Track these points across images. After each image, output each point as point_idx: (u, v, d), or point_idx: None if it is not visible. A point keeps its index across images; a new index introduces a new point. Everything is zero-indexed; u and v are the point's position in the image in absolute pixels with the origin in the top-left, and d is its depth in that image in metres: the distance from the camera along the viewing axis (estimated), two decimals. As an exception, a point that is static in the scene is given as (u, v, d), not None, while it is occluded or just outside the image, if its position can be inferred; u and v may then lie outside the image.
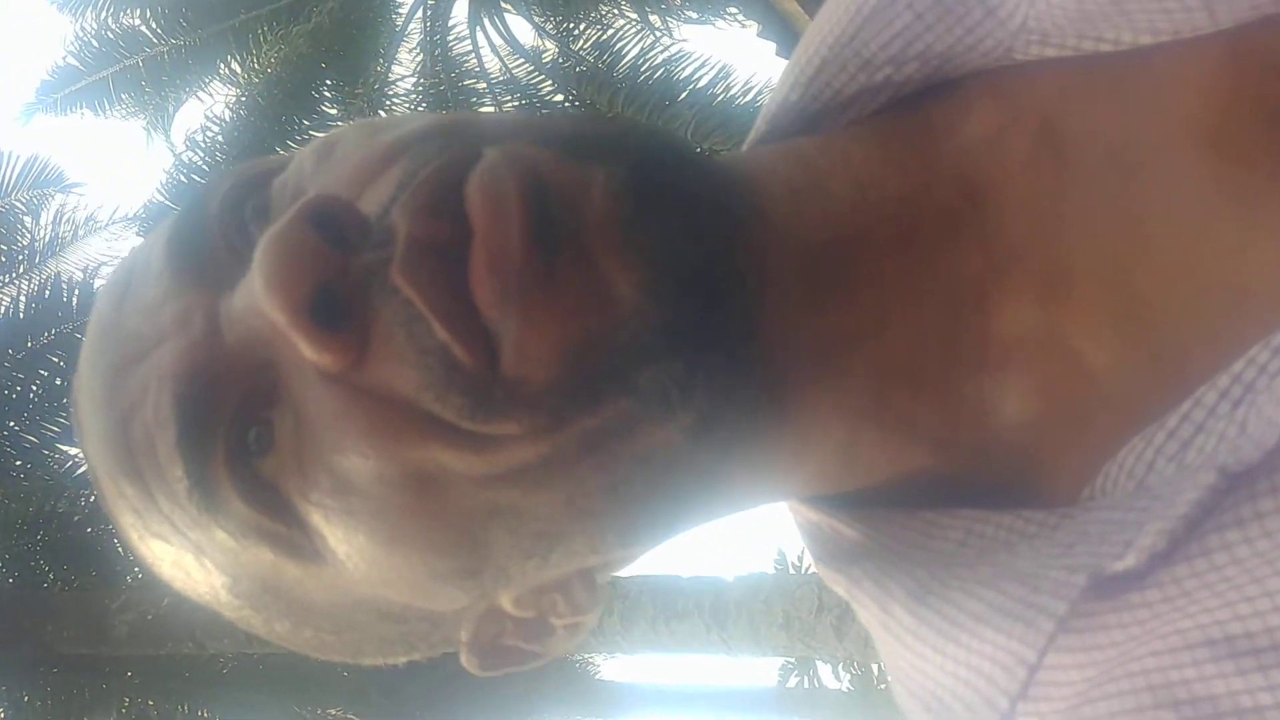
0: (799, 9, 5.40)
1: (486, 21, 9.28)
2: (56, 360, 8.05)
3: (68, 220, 8.90)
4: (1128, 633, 0.41)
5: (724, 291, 0.47)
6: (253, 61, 8.86)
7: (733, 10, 8.53)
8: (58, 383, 8.01)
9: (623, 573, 0.59)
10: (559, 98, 8.82)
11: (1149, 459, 0.44)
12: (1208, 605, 0.40)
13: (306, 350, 0.46)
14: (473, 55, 9.18)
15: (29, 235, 8.78)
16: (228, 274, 0.51)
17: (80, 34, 9.28)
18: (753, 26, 7.64)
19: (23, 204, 8.81)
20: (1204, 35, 0.46)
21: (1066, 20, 0.48)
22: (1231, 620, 0.39)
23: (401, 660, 0.58)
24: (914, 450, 0.51)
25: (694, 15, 8.92)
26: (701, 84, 7.75)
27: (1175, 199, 0.46)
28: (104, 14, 9.30)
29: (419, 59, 9.20)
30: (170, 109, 9.61)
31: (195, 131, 8.62)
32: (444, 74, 8.94)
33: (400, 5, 9.25)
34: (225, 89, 9.37)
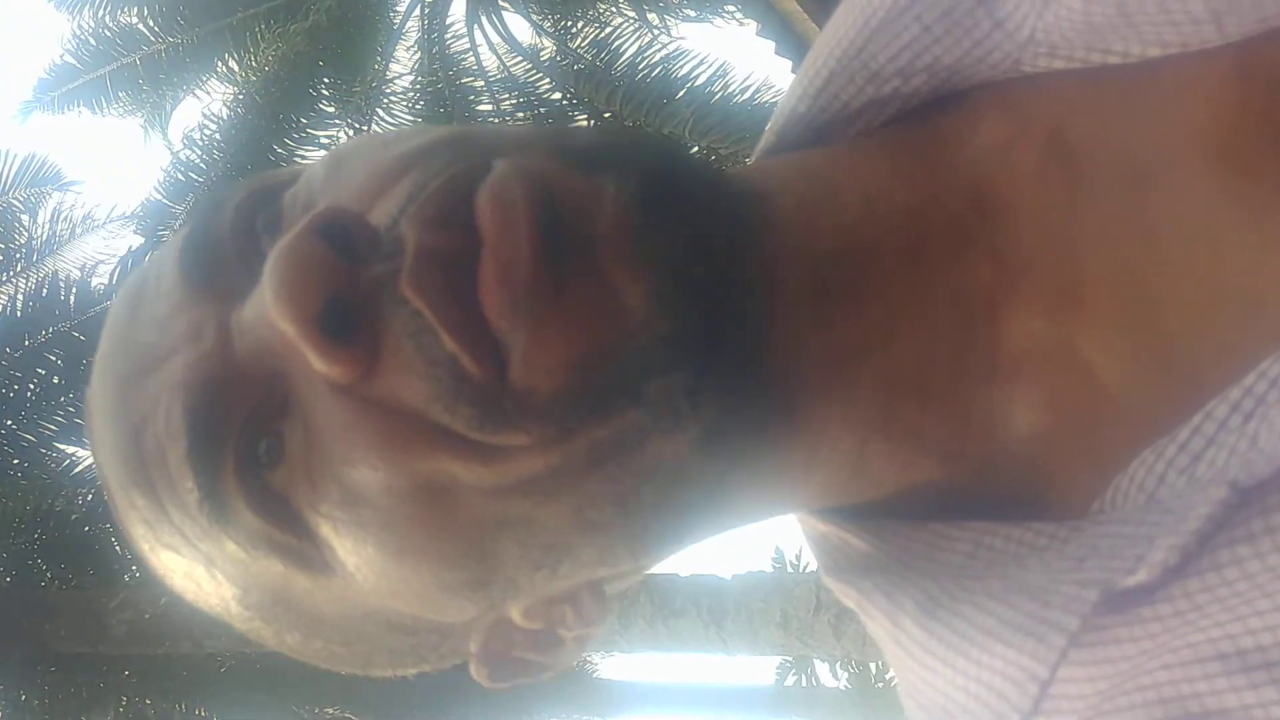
0: (797, 8, 5.40)
1: (484, 19, 9.27)
2: (54, 359, 8.04)
3: (65, 218, 8.90)
4: (1139, 646, 0.41)
5: (733, 303, 0.47)
6: (250, 60, 8.85)
7: (731, 8, 8.53)
8: (55, 381, 8.01)
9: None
10: (556, 96, 8.82)
11: (1160, 472, 0.44)
12: (1219, 619, 0.40)
13: (316, 362, 0.46)
14: (470, 53, 9.18)
15: (26, 233, 8.77)
16: (239, 286, 0.51)
17: (78, 32, 9.28)
18: (751, 24, 7.64)
19: (20, 202, 8.80)
20: (1212, 48, 0.46)
21: (1075, 33, 0.48)
22: (1243, 634, 0.39)
23: (411, 672, 0.58)
24: (922, 462, 0.51)
25: (692, 13, 8.91)
26: (699, 82, 7.74)
27: (1185, 211, 0.46)
28: (101, 12, 9.29)
29: (417, 57, 9.19)
30: (168, 107, 9.60)
31: (193, 129, 8.63)
32: (441, 72, 8.93)
33: (397, 3, 9.24)
34: (223, 87, 9.38)
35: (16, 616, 6.55)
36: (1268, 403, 0.42)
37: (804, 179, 0.53)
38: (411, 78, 9.16)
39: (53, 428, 7.98)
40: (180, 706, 7.55)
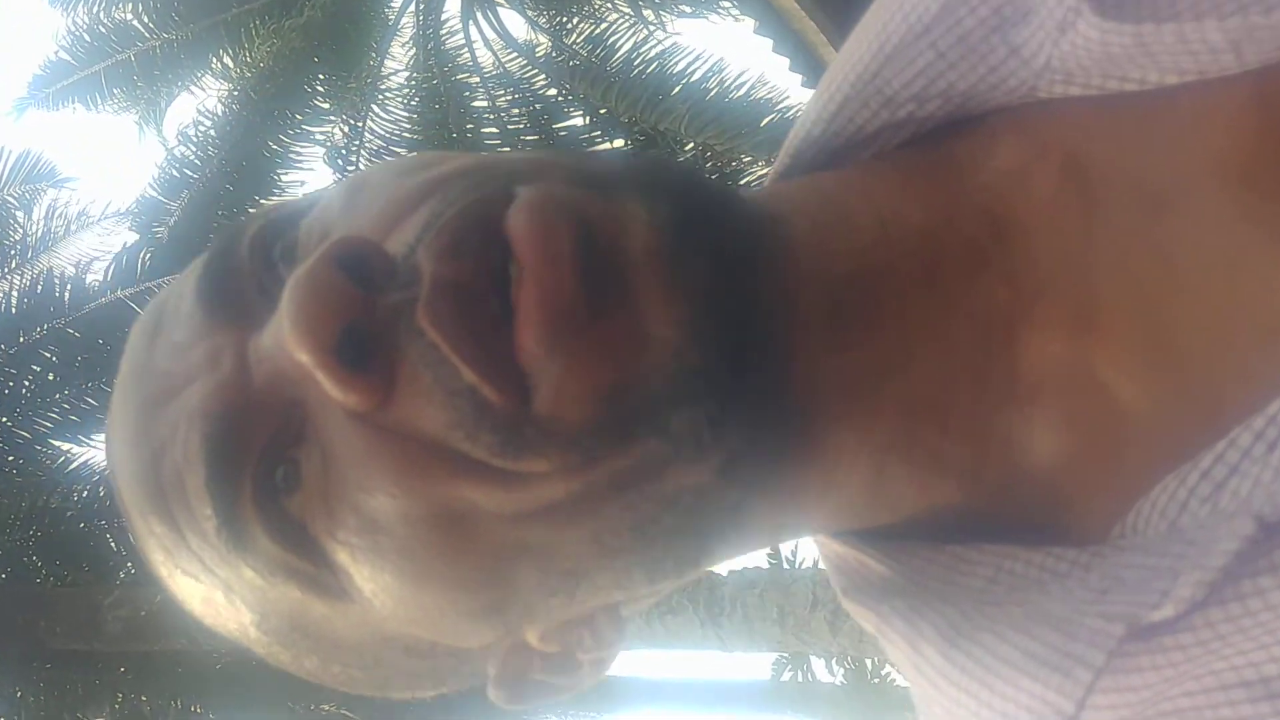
0: (794, 5, 5.38)
1: (479, 15, 9.26)
2: (49, 355, 8.02)
3: (60, 215, 8.86)
4: (1161, 674, 0.41)
5: (757, 329, 0.47)
6: (245, 56, 8.83)
7: (726, 4, 8.52)
8: (50, 378, 7.99)
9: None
10: (552, 92, 8.81)
11: (1182, 499, 0.44)
12: (1242, 647, 0.40)
13: (332, 390, 0.46)
14: (465, 49, 9.17)
15: (21, 230, 8.73)
16: (257, 314, 0.51)
17: (72, 28, 9.25)
18: (747, 21, 7.63)
19: (15, 199, 8.76)
20: (1230, 75, 0.46)
21: (1091, 61, 0.48)
22: (1267, 661, 0.39)
23: (430, 694, 0.58)
24: (941, 485, 0.51)
25: (688, 9, 8.91)
26: (695, 78, 7.73)
27: (1204, 235, 0.46)
28: (96, 8, 9.26)
29: (412, 53, 9.18)
30: (162, 103, 9.58)
31: (188, 126, 8.62)
32: (437, 68, 8.92)
33: (392, -1, 9.23)
34: (218, 83, 9.36)
35: (11, 613, 6.55)
36: None
37: (817, 201, 0.53)
38: (406, 74, 9.15)
39: (48, 424, 7.96)
40: (175, 703, 7.54)
